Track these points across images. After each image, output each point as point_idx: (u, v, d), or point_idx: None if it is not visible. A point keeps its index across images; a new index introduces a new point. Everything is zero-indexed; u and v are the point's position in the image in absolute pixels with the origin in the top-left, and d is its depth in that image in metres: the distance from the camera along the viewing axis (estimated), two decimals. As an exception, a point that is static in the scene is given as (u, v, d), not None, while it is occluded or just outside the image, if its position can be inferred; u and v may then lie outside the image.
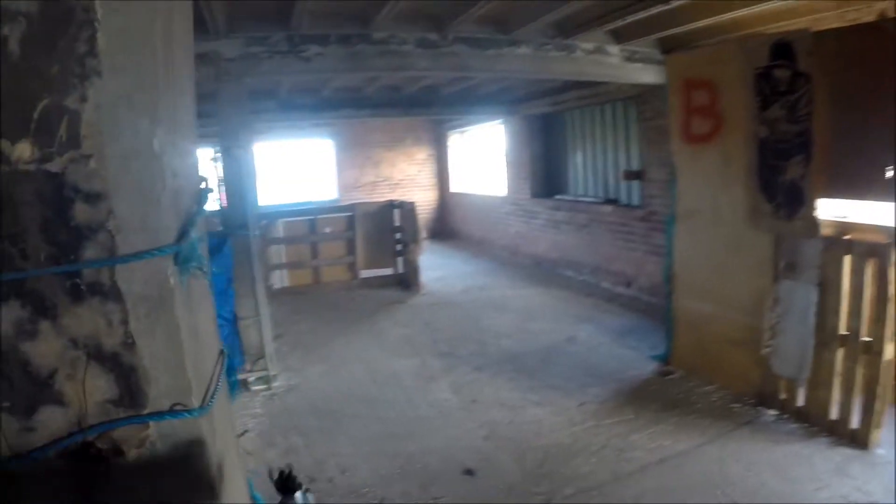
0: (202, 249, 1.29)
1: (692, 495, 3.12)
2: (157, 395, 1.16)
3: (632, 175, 7.08)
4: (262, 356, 4.94)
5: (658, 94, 5.74)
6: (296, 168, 12.55)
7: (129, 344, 1.13)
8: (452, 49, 4.82)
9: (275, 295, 7.75)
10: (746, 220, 4.07)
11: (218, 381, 1.34)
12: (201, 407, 1.20)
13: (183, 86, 1.38)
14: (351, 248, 8.45)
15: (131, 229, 1.11)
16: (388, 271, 8.66)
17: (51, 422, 1.12)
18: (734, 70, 4.01)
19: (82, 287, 1.09)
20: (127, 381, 1.14)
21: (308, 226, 8.38)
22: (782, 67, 3.67)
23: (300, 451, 3.89)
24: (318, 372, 5.31)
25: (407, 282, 8.38)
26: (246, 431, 2.43)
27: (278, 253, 8.23)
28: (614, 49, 5.28)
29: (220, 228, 4.85)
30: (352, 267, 8.51)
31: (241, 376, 4.88)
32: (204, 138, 7.52)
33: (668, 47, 5.19)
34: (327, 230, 8.44)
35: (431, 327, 6.51)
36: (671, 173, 4.76)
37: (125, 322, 1.13)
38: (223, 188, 4.78)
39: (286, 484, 1.67)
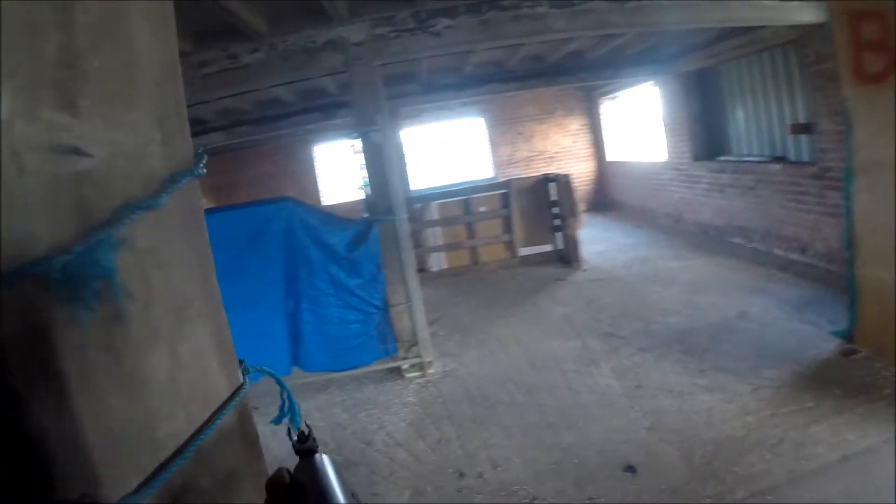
0: (131, 257, 0.82)
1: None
2: (64, 479, 0.74)
3: (799, 128, 5.99)
4: (415, 343, 4.67)
5: (820, 34, 4.84)
6: (450, 149, 12.33)
7: (15, 406, 0.72)
8: (589, 6, 4.37)
9: (433, 278, 7.58)
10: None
11: (190, 446, 0.88)
12: (124, 500, 0.75)
13: (107, 34, 0.89)
14: (508, 226, 7.94)
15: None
16: (547, 248, 8.03)
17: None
18: (909, -8, 3.20)
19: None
20: (26, 458, 0.74)
21: (462, 206, 8.00)
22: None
23: (452, 443, 3.60)
24: (474, 356, 4.93)
25: (567, 258, 7.67)
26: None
27: (434, 235, 8.00)
28: (767, -13, 4.36)
29: (365, 215, 4.66)
30: (510, 245, 7.99)
31: (394, 364, 4.67)
32: (345, 129, 7.55)
33: (828, -22, 4.14)
34: (482, 209, 8.00)
35: (593, 305, 5.80)
36: (845, 122, 3.98)
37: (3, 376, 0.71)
38: (366, 175, 4.57)
39: (305, 445, 1.31)
